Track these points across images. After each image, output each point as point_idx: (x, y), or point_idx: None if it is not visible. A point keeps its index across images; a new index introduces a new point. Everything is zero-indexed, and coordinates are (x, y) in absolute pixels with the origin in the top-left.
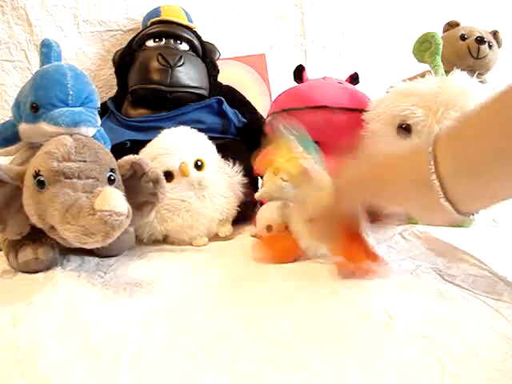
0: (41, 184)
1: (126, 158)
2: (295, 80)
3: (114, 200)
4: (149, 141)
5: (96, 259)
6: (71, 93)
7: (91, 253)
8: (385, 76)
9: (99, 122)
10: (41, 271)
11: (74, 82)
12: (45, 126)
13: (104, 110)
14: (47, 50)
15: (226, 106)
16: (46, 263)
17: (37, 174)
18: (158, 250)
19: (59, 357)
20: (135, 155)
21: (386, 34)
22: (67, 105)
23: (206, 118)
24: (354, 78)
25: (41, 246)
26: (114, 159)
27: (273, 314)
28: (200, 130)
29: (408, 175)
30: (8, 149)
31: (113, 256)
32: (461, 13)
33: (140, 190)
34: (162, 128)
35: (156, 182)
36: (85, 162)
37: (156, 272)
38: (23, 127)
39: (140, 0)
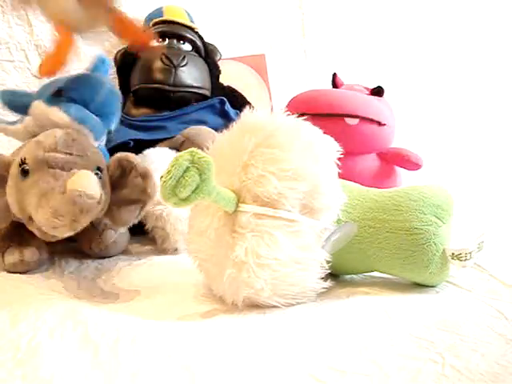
0: (24, 173)
1: (113, 156)
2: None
3: (87, 182)
4: (152, 140)
5: (95, 262)
6: (96, 100)
7: (88, 255)
8: (384, 76)
9: (103, 141)
10: (27, 272)
11: (106, 96)
12: (55, 112)
13: None
14: (100, 65)
15: (228, 107)
16: (32, 265)
17: (22, 163)
18: (156, 253)
19: (60, 352)
20: (122, 153)
21: (386, 35)
22: (86, 107)
23: (209, 118)
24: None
25: (27, 248)
26: (103, 160)
27: (272, 317)
28: None
29: None
30: (15, 128)
31: (108, 257)
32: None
33: (130, 186)
34: (165, 128)
35: (145, 176)
36: (71, 154)
37: (155, 275)
38: (38, 105)
39: (140, 0)
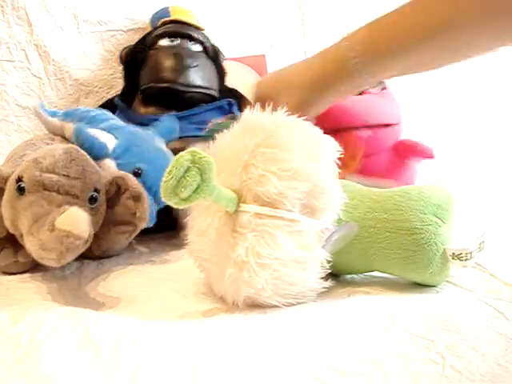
0: (21, 190)
1: (111, 174)
2: None
3: (76, 222)
4: None
5: (96, 262)
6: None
7: (87, 256)
8: None
9: None
10: (26, 272)
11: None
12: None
13: (112, 108)
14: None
15: (235, 108)
16: (26, 265)
17: (19, 180)
18: (157, 252)
19: (60, 350)
20: (121, 171)
21: None
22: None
23: (218, 119)
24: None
25: (21, 250)
26: (101, 179)
27: (272, 317)
28: None
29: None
30: (51, 120)
31: (108, 257)
32: None
33: (121, 207)
34: None
35: (137, 199)
36: (68, 177)
37: (156, 274)
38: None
39: (141, 0)
